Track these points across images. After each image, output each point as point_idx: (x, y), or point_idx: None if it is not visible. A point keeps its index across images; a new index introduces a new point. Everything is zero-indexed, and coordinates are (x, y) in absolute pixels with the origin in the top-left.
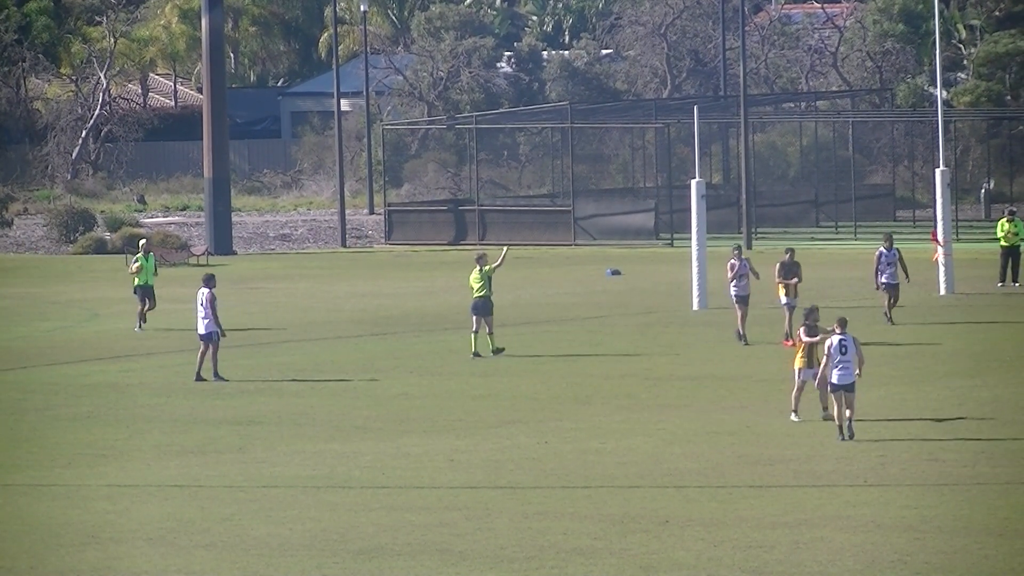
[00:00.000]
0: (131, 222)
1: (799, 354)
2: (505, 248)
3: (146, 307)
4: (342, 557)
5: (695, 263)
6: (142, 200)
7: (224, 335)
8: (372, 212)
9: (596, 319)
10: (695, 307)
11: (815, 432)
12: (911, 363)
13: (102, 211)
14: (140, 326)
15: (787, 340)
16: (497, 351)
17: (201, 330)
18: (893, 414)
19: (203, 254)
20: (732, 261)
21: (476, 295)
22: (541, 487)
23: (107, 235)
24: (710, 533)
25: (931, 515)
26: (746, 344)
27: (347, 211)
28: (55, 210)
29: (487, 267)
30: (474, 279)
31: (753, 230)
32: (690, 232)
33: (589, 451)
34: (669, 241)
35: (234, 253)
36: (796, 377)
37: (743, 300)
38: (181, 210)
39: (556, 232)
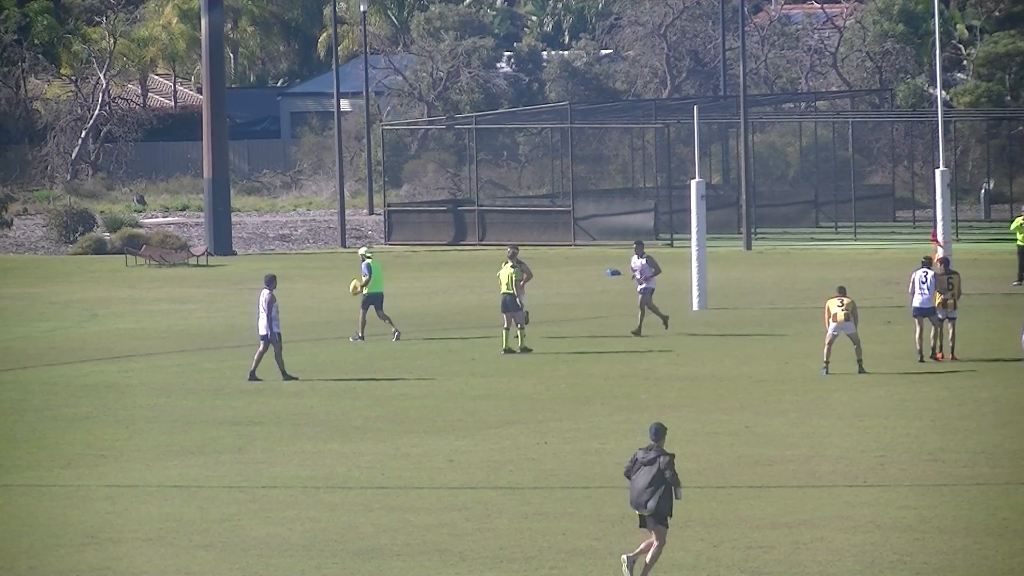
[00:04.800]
0: (131, 222)
1: None
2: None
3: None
4: (342, 557)
5: (695, 263)
6: (142, 200)
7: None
8: (372, 212)
9: (596, 319)
10: (695, 307)
11: (815, 432)
12: (910, 363)
13: (102, 211)
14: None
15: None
16: (524, 350)
17: (260, 330)
18: (893, 414)
19: (203, 254)
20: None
21: (502, 292)
22: (541, 487)
23: (107, 235)
24: (710, 533)
25: (931, 515)
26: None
27: (347, 211)
28: (55, 210)
29: (510, 264)
30: (503, 276)
31: (753, 230)
32: (690, 232)
33: (589, 451)
34: (669, 241)
35: (234, 253)
36: None
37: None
38: (181, 210)
39: (556, 232)
